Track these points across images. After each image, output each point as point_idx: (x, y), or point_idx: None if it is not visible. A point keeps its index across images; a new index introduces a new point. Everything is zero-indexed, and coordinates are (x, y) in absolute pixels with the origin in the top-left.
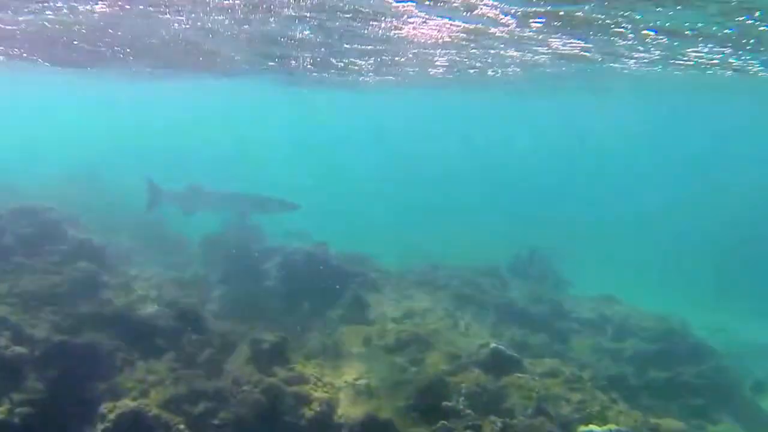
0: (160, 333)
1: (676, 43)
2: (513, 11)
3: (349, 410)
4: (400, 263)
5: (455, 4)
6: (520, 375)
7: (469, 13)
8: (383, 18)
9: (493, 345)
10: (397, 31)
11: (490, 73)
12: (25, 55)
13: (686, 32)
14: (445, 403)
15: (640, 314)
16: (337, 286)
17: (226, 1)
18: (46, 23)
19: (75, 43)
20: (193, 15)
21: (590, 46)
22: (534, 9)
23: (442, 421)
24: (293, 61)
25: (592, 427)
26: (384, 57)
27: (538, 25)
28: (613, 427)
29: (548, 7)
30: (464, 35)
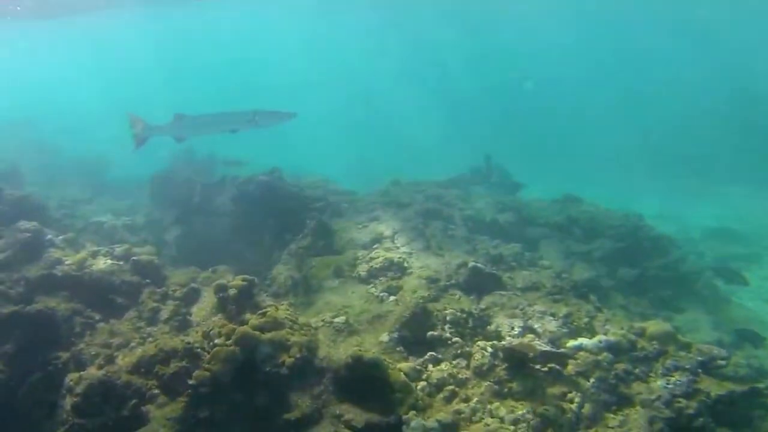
0: (118, 290)
1: None
2: None
3: (330, 351)
4: (359, 183)
5: None
6: (502, 293)
7: None
8: None
9: (471, 264)
10: None
11: None
12: None
13: None
14: (430, 333)
15: (605, 213)
16: (299, 214)
17: None
18: None
19: None
20: None
21: None
22: None
23: (430, 352)
24: None
25: (581, 340)
26: None
27: None
28: (602, 337)
29: None
30: None
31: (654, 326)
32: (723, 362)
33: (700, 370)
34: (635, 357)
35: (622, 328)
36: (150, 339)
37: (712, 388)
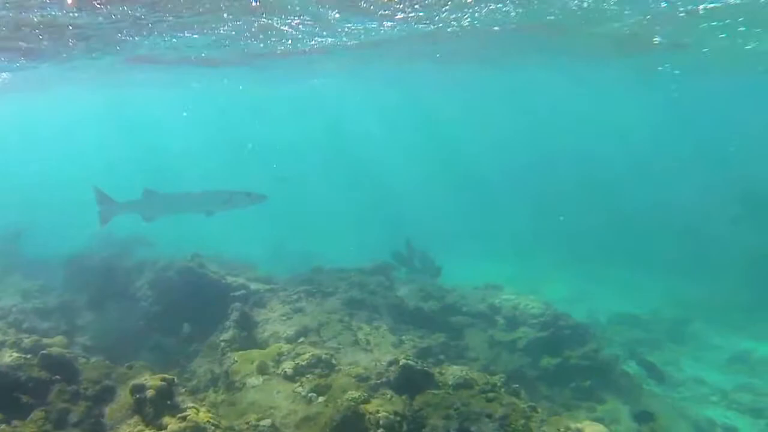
0: (24, 387)
1: None
2: None
3: None
4: (279, 268)
5: None
6: (435, 392)
7: None
8: None
9: (402, 362)
10: None
11: None
12: None
13: None
14: None
15: (526, 301)
16: (219, 304)
17: None
18: None
19: None
20: None
21: None
22: None
23: None
24: None
25: None
26: None
27: None
28: None
29: None
30: None
31: (590, 428)
32: None
33: None
34: None
35: (558, 430)
36: None
37: None
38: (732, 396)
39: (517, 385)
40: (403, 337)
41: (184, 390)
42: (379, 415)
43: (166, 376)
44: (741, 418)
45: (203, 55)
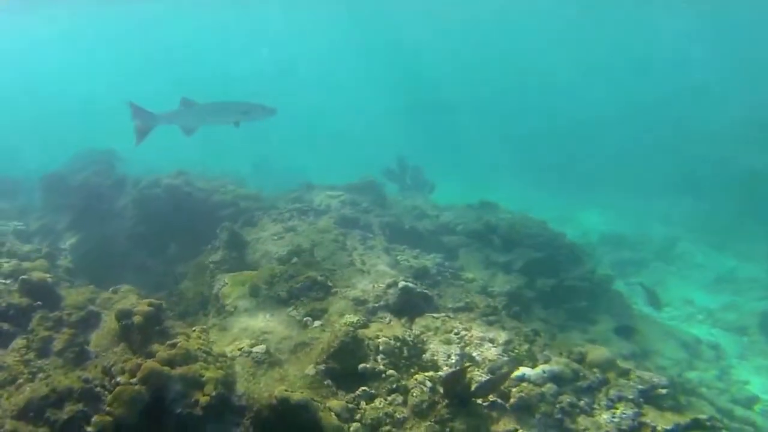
0: (4, 315)
1: None
2: None
3: (250, 387)
4: (265, 185)
5: None
6: (434, 315)
7: None
8: None
9: (401, 283)
10: None
11: None
12: None
13: None
14: (362, 365)
15: (523, 220)
16: (207, 222)
17: None
18: None
19: None
20: None
21: None
22: None
23: (363, 387)
24: None
25: (523, 370)
26: None
27: None
28: (545, 367)
29: None
30: None
31: (594, 352)
32: (664, 391)
33: (642, 400)
34: (579, 387)
35: (561, 354)
36: (40, 375)
37: (657, 420)
38: (717, 315)
39: (518, 308)
40: (399, 257)
41: (172, 314)
42: (379, 340)
43: (154, 300)
44: (725, 335)
45: None
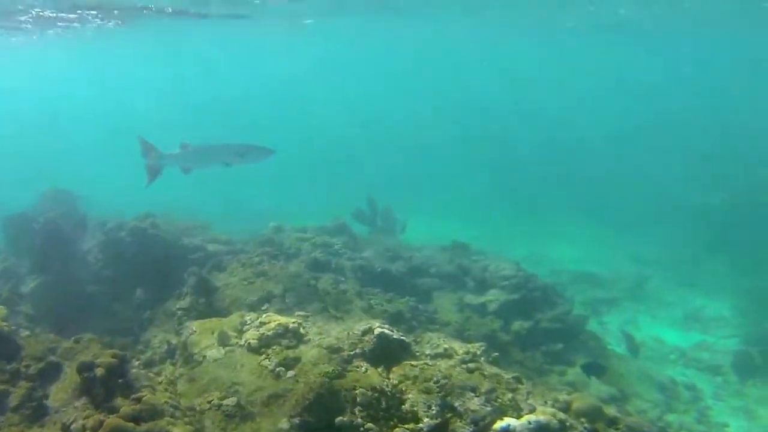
0: None
1: None
2: None
3: None
4: (234, 227)
5: None
6: (413, 363)
7: None
8: None
9: (377, 330)
10: None
11: None
12: None
13: None
14: (339, 419)
15: (496, 261)
16: (175, 267)
17: None
18: None
19: None
20: None
21: None
22: None
23: None
24: None
25: (508, 420)
26: None
27: None
28: (531, 417)
29: None
30: None
31: (580, 401)
32: None
33: None
34: None
35: (546, 402)
36: None
37: None
38: (690, 354)
39: (497, 353)
40: (372, 301)
41: (138, 363)
42: (356, 391)
43: (118, 351)
44: (699, 375)
45: None
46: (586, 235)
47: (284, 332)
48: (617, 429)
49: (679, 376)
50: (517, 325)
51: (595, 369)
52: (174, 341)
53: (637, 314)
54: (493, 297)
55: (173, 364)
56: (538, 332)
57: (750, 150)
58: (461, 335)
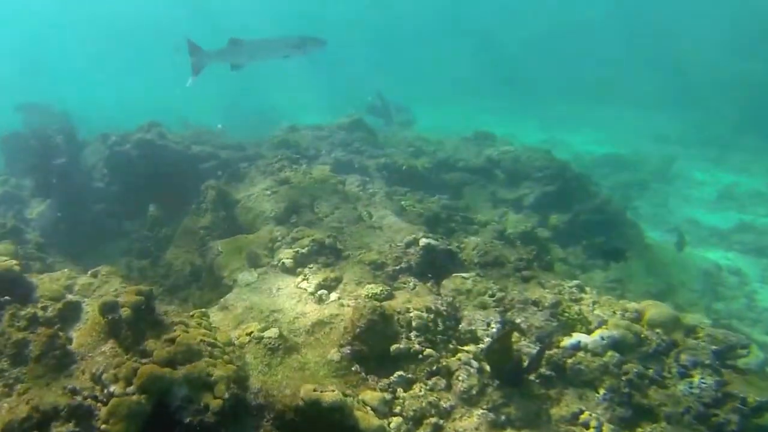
0: None
1: None
2: None
3: (267, 381)
4: (241, 129)
5: None
6: (464, 275)
7: None
8: None
9: (423, 241)
10: None
11: None
12: None
13: None
14: (395, 346)
15: (526, 151)
16: (188, 178)
17: None
18: None
19: None
20: None
21: None
22: None
23: (398, 372)
24: None
25: (578, 336)
26: None
27: None
28: (603, 332)
29: None
30: None
31: (652, 309)
32: (744, 351)
33: (719, 365)
34: (644, 354)
35: (614, 312)
36: (18, 388)
37: (745, 390)
38: (731, 237)
39: (550, 257)
40: (403, 203)
41: (162, 289)
42: (411, 314)
43: (142, 288)
44: (742, 258)
45: None
46: (603, 116)
47: (320, 248)
48: (697, 338)
49: (723, 261)
50: (555, 219)
51: (614, 254)
52: (198, 262)
53: (667, 197)
54: (528, 190)
55: (200, 289)
56: (577, 225)
57: None
58: (502, 236)
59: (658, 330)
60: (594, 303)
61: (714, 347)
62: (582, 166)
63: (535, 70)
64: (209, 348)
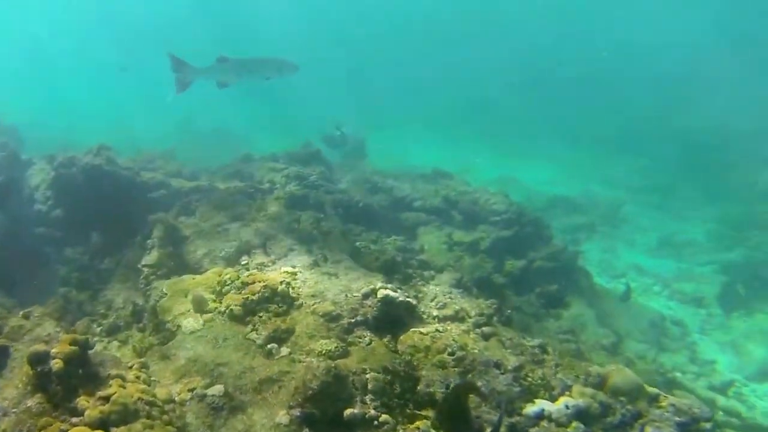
0: None
1: None
2: None
3: None
4: (195, 150)
5: None
6: (422, 331)
7: None
8: None
9: (381, 292)
10: None
11: None
12: None
13: None
14: (349, 412)
15: (484, 193)
16: (135, 208)
17: None
18: None
19: None
20: None
21: None
22: None
23: None
24: None
25: (542, 404)
26: None
27: None
28: (570, 401)
29: None
30: None
31: (617, 376)
32: (708, 425)
33: None
34: (609, 425)
35: (578, 377)
36: None
37: None
38: (673, 285)
39: (510, 311)
40: (358, 244)
41: (100, 329)
42: (367, 376)
43: (78, 337)
44: (683, 308)
45: None
46: (555, 155)
47: (272, 295)
48: (660, 407)
49: (665, 310)
50: (510, 264)
51: (555, 302)
52: (140, 302)
53: (614, 241)
54: (484, 234)
55: (141, 330)
56: (531, 272)
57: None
58: (460, 283)
59: (622, 398)
60: (557, 365)
61: (678, 419)
62: (534, 206)
63: (494, 105)
64: (147, 407)
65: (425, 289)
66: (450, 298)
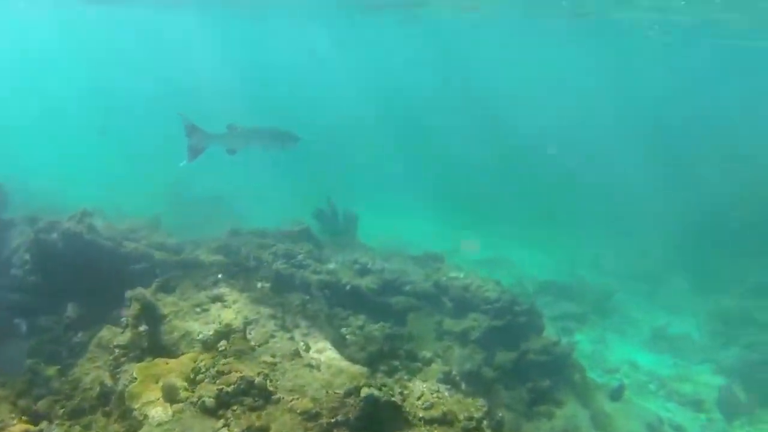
0: None
1: None
2: None
3: None
4: (182, 220)
5: None
6: None
7: None
8: None
9: (364, 392)
10: None
11: None
12: None
13: None
14: None
15: (478, 281)
16: (114, 281)
17: None
18: None
19: None
20: None
21: None
22: None
23: None
24: None
25: None
26: None
27: None
28: None
29: None
30: None
31: None
32: None
33: None
34: None
35: None
36: None
37: None
38: (670, 385)
39: (501, 415)
40: (344, 331)
41: (63, 411)
42: None
43: (31, 428)
44: (682, 411)
45: None
46: (546, 238)
47: (248, 388)
48: None
49: (663, 411)
50: (501, 357)
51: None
52: (109, 383)
53: (604, 332)
54: (475, 323)
55: (107, 416)
56: (522, 365)
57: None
58: (449, 378)
59: None
60: None
61: None
62: (525, 293)
63: (487, 186)
64: None
65: (411, 385)
66: (438, 397)
